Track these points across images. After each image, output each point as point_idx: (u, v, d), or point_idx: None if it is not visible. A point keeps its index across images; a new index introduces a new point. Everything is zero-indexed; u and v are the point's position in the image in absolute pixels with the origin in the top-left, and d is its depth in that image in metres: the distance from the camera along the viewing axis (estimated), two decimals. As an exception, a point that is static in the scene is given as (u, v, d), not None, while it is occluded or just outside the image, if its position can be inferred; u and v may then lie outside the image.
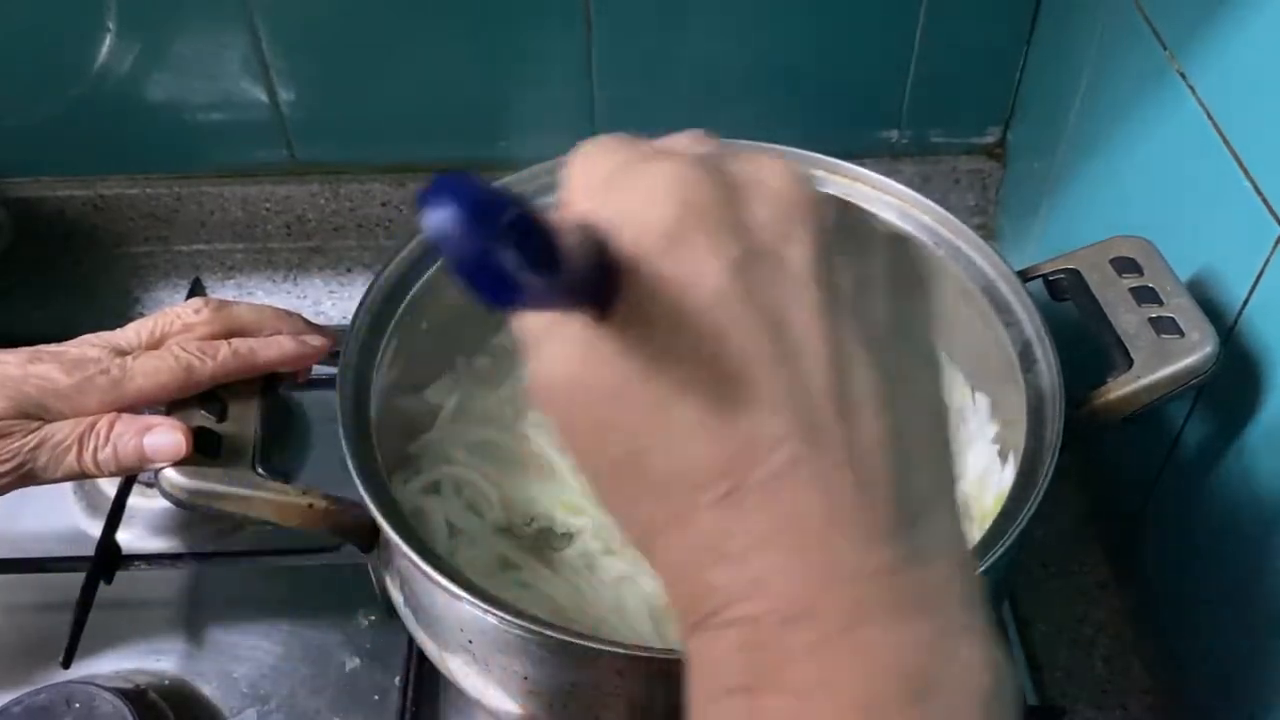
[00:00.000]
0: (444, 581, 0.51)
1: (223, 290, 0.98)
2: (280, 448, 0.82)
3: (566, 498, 0.66)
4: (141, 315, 0.98)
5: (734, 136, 0.74)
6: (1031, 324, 0.62)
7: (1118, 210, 0.75)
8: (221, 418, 0.59)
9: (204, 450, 0.58)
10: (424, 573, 0.51)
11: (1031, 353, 0.61)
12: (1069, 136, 0.83)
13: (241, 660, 0.72)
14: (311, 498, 0.57)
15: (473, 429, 0.70)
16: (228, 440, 0.59)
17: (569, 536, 0.65)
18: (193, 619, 0.74)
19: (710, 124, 0.83)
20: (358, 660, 0.72)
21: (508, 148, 0.92)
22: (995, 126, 0.95)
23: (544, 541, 0.65)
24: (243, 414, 0.60)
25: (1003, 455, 0.65)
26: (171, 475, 0.56)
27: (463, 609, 0.51)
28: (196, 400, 0.60)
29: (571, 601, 0.62)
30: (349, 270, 0.98)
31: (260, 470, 0.58)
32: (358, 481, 0.54)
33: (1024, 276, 0.65)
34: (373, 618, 0.74)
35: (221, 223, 0.96)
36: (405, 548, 0.51)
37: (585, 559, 0.64)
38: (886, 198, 0.68)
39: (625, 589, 0.62)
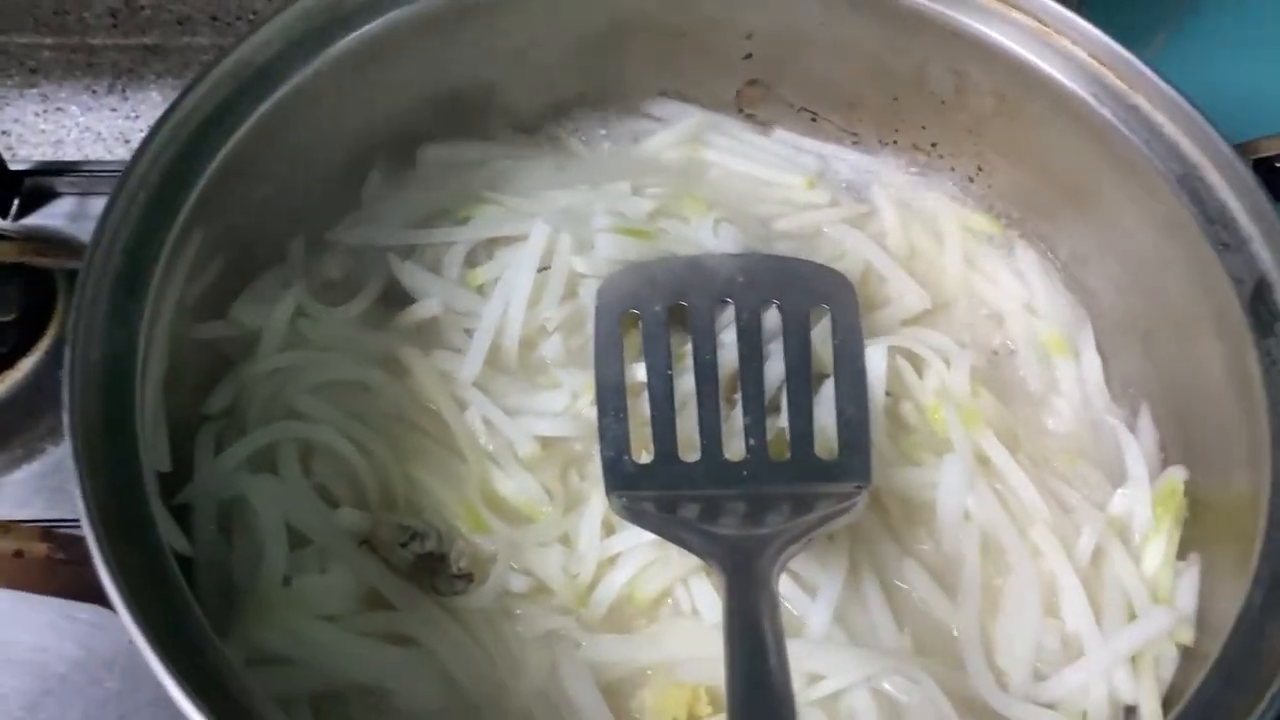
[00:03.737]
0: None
1: (23, 102, 0.76)
2: None
3: (470, 496, 0.42)
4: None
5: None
6: (1272, 249, 0.38)
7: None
8: None
9: None
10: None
11: (1270, 298, 0.37)
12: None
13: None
14: (21, 539, 0.34)
15: (321, 362, 0.45)
16: None
17: (467, 579, 0.41)
18: None
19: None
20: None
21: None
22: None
23: (425, 576, 0.41)
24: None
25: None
26: None
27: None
28: None
29: (477, 677, 0.39)
30: (199, 80, 0.75)
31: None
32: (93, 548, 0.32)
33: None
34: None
35: (18, 6, 0.76)
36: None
37: (500, 602, 0.40)
38: (1015, 14, 0.43)
39: (562, 653, 0.39)
